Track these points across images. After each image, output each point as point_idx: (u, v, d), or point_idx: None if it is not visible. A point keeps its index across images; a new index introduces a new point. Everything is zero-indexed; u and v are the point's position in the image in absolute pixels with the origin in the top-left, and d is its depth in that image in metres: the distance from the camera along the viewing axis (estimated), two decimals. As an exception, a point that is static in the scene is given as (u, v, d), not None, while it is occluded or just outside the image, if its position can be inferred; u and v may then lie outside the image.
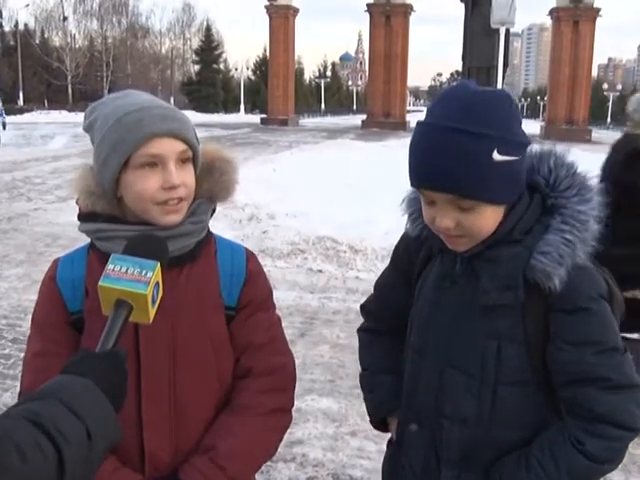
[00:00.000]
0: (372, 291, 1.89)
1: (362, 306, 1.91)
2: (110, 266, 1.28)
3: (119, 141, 1.43)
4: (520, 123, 1.44)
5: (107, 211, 1.51)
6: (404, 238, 1.72)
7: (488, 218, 1.44)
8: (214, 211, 1.63)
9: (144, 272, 1.27)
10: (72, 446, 1.00)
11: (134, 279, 1.26)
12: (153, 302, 1.29)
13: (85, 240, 1.60)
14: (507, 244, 1.47)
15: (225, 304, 1.59)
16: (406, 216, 1.65)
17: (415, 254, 1.68)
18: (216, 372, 1.58)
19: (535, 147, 1.52)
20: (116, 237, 1.48)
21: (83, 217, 1.54)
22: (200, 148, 1.56)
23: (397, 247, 1.77)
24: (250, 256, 1.67)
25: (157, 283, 1.29)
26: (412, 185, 1.48)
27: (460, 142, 1.35)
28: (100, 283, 1.26)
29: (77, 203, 1.56)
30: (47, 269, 1.61)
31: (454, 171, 1.36)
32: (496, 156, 1.36)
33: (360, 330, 1.93)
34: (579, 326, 1.44)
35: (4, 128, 18.89)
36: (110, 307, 1.26)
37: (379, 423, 1.85)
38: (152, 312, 1.29)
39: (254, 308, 1.62)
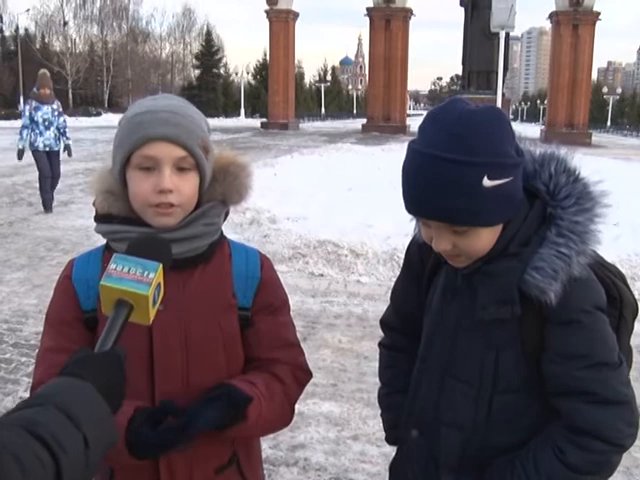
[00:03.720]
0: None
1: (381, 321, 1.91)
2: (112, 265, 1.27)
3: (122, 140, 1.50)
4: (512, 140, 1.40)
5: (122, 213, 1.54)
6: (414, 243, 1.70)
7: (484, 238, 1.43)
8: (227, 214, 1.66)
9: (146, 273, 1.27)
10: (69, 455, 0.99)
11: (136, 279, 1.26)
12: (154, 303, 1.28)
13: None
14: (503, 258, 1.46)
15: (239, 305, 1.62)
16: (414, 221, 1.62)
17: (427, 257, 1.67)
18: (226, 373, 1.59)
19: (538, 150, 1.50)
20: (129, 239, 1.50)
21: (99, 219, 1.58)
22: (215, 154, 1.59)
23: (408, 251, 1.75)
24: (264, 260, 1.70)
25: (159, 284, 1.29)
26: (406, 211, 1.47)
27: (447, 172, 1.33)
28: (102, 282, 1.26)
29: (94, 205, 1.59)
30: (62, 268, 1.65)
31: (443, 201, 1.35)
32: (486, 182, 1.34)
33: (380, 344, 1.92)
34: (568, 339, 1.44)
35: (69, 154, 12.24)
36: (110, 306, 1.26)
37: (394, 442, 1.85)
38: (152, 313, 1.29)
39: (275, 309, 1.66)
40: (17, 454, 0.94)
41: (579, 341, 1.43)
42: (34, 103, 11.58)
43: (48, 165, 11.72)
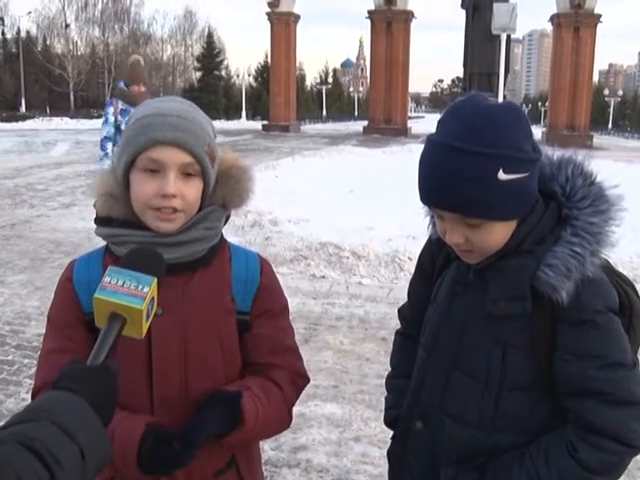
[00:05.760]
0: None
1: (398, 310, 1.96)
2: (107, 278, 1.27)
3: (129, 141, 1.49)
4: (530, 137, 1.43)
5: (122, 216, 1.54)
6: (428, 241, 1.74)
7: (497, 234, 1.45)
8: (228, 218, 1.66)
9: (140, 287, 1.26)
10: (65, 470, 0.99)
11: (130, 293, 1.25)
12: (147, 317, 1.28)
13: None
14: (517, 255, 1.47)
15: (238, 309, 1.62)
16: (428, 218, 1.66)
17: (437, 255, 1.70)
18: (224, 377, 1.60)
19: (557, 154, 1.52)
20: (129, 242, 1.51)
21: (99, 221, 1.58)
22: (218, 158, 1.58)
23: (422, 251, 1.79)
24: (264, 264, 1.70)
25: (153, 298, 1.29)
26: (421, 201, 1.50)
27: (464, 162, 1.36)
28: (96, 295, 1.26)
29: (94, 207, 1.59)
30: (63, 270, 1.65)
31: (458, 192, 1.37)
32: (502, 175, 1.36)
33: (396, 332, 1.97)
34: (583, 338, 1.45)
35: None
36: (104, 320, 1.26)
37: (390, 422, 1.87)
38: (145, 327, 1.29)
39: (274, 314, 1.66)
40: (17, 470, 0.94)
41: (593, 341, 1.44)
42: (120, 104, 7.87)
43: None
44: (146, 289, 1.27)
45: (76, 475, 1.02)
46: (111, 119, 7.82)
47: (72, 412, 1.08)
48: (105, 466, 1.12)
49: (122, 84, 8.19)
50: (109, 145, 7.75)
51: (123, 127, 6.93)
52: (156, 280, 1.30)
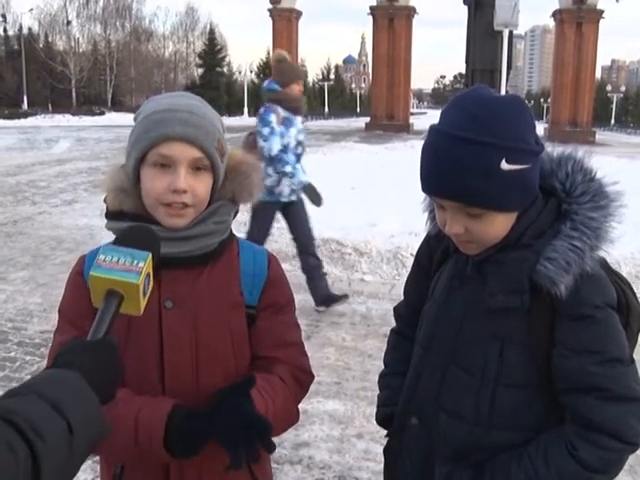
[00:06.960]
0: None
1: (394, 309, 1.96)
2: (101, 256, 1.27)
3: (139, 137, 1.50)
4: (533, 129, 1.43)
5: (133, 210, 1.55)
6: (426, 237, 1.75)
7: (497, 225, 1.45)
8: (236, 213, 1.67)
9: (135, 262, 1.26)
10: (48, 442, 0.96)
11: (125, 269, 1.25)
12: (144, 293, 1.27)
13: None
14: (517, 248, 1.47)
15: (246, 303, 1.63)
16: (426, 214, 1.66)
17: (435, 251, 1.70)
18: (235, 369, 1.60)
19: (557, 150, 1.52)
20: None
21: (110, 215, 1.58)
22: (227, 153, 1.59)
23: (420, 247, 1.79)
24: (271, 258, 1.71)
25: (148, 274, 1.28)
26: (422, 190, 1.50)
27: (467, 151, 1.35)
28: (91, 273, 1.25)
29: (105, 201, 1.60)
30: (73, 265, 1.66)
31: (460, 180, 1.37)
32: (504, 165, 1.36)
33: (391, 330, 1.97)
34: (582, 334, 1.44)
35: (319, 202, 6.65)
36: (100, 298, 1.25)
37: (383, 420, 1.87)
38: (143, 303, 1.28)
39: (279, 308, 1.67)
40: None
41: (592, 336, 1.44)
42: (281, 111, 5.85)
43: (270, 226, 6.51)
44: (141, 264, 1.26)
45: (61, 449, 0.99)
46: (275, 128, 5.81)
47: (64, 387, 1.06)
48: (98, 444, 1.10)
49: (274, 85, 5.94)
50: (289, 159, 5.91)
51: (286, 140, 5.85)
52: (151, 255, 1.29)
